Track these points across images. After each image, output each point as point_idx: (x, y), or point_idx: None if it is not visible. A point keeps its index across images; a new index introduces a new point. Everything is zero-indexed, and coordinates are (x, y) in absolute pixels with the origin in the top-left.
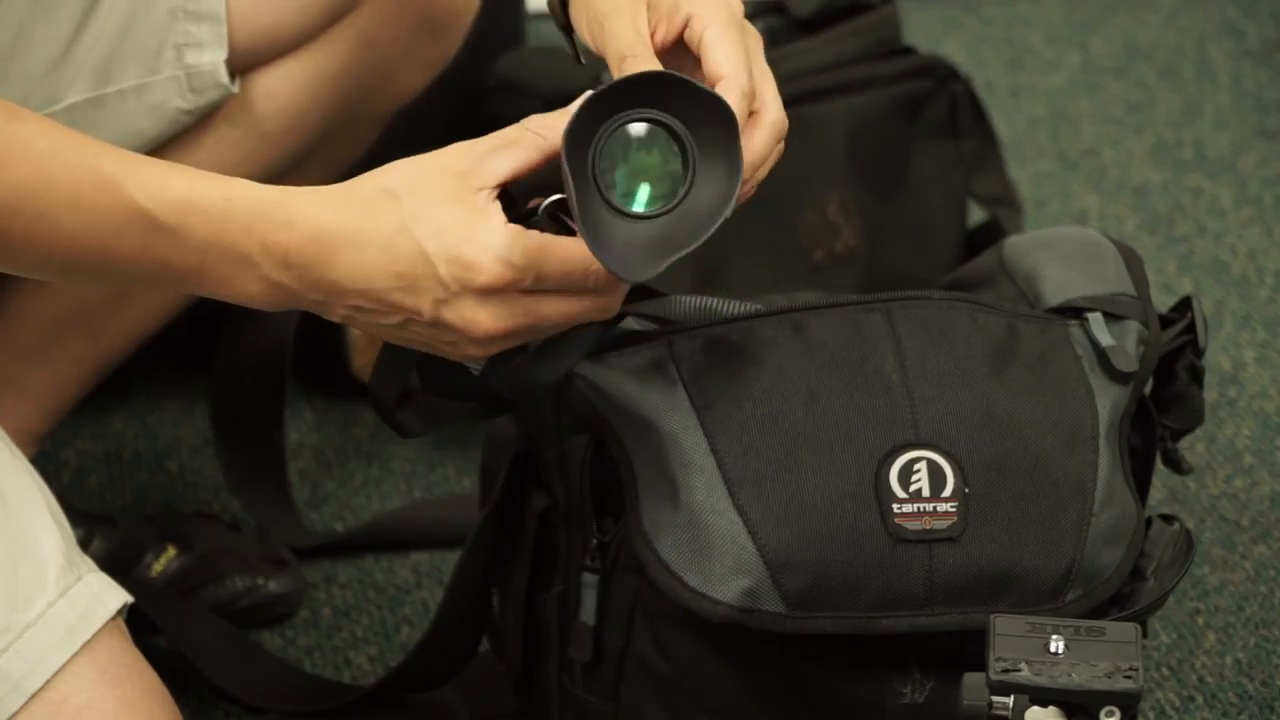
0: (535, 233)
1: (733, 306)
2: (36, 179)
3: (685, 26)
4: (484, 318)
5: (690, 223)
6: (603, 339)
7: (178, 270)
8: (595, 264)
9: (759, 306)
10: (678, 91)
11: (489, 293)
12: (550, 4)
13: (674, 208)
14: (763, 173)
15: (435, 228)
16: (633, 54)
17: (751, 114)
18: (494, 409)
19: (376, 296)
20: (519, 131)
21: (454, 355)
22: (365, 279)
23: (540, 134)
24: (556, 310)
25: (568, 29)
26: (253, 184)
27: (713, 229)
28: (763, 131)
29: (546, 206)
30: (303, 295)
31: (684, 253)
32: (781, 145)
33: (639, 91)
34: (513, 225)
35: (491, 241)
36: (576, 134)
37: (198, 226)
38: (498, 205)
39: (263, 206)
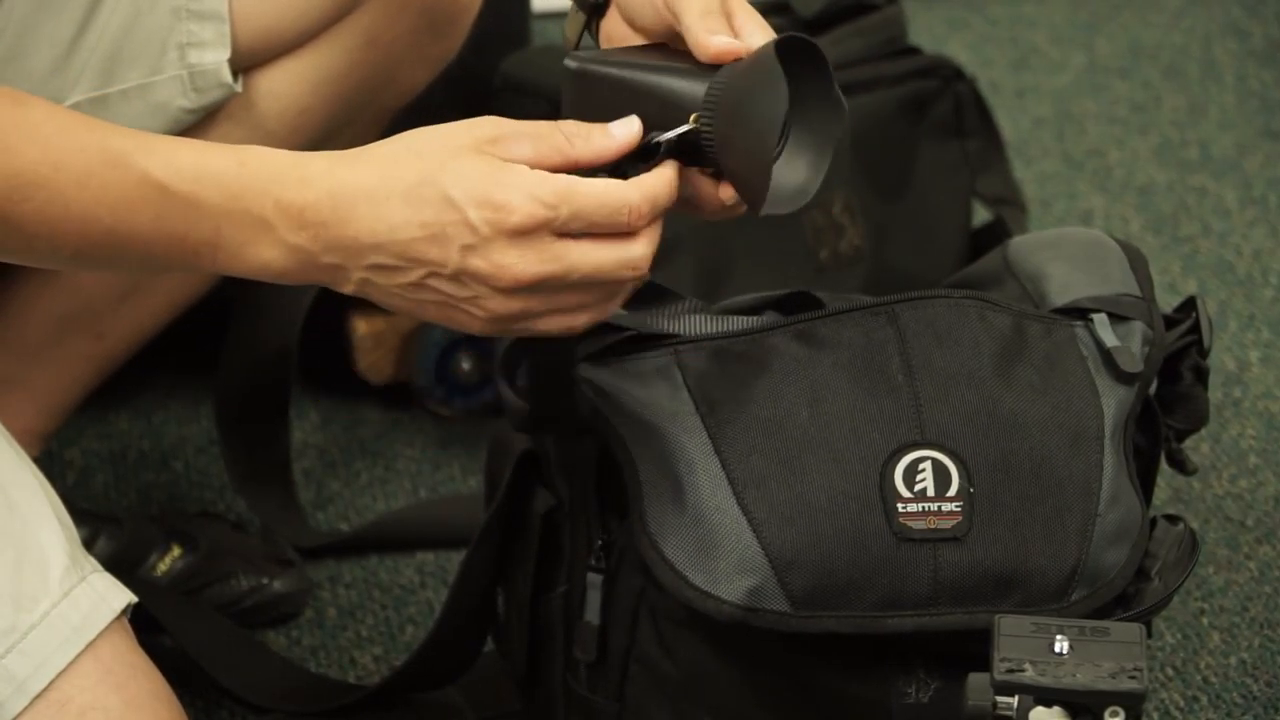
0: (566, 177)
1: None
2: (44, 161)
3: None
4: (515, 260)
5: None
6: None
7: (193, 243)
8: (632, 200)
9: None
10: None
11: (521, 233)
12: None
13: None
14: None
15: (459, 174)
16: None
17: None
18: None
19: (399, 250)
20: (550, 129)
21: (469, 320)
22: (387, 230)
23: (570, 140)
24: (587, 258)
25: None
26: (265, 149)
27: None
28: None
29: (670, 139)
30: (319, 259)
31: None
32: None
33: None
34: (539, 170)
35: (520, 182)
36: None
37: (212, 192)
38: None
39: (277, 168)
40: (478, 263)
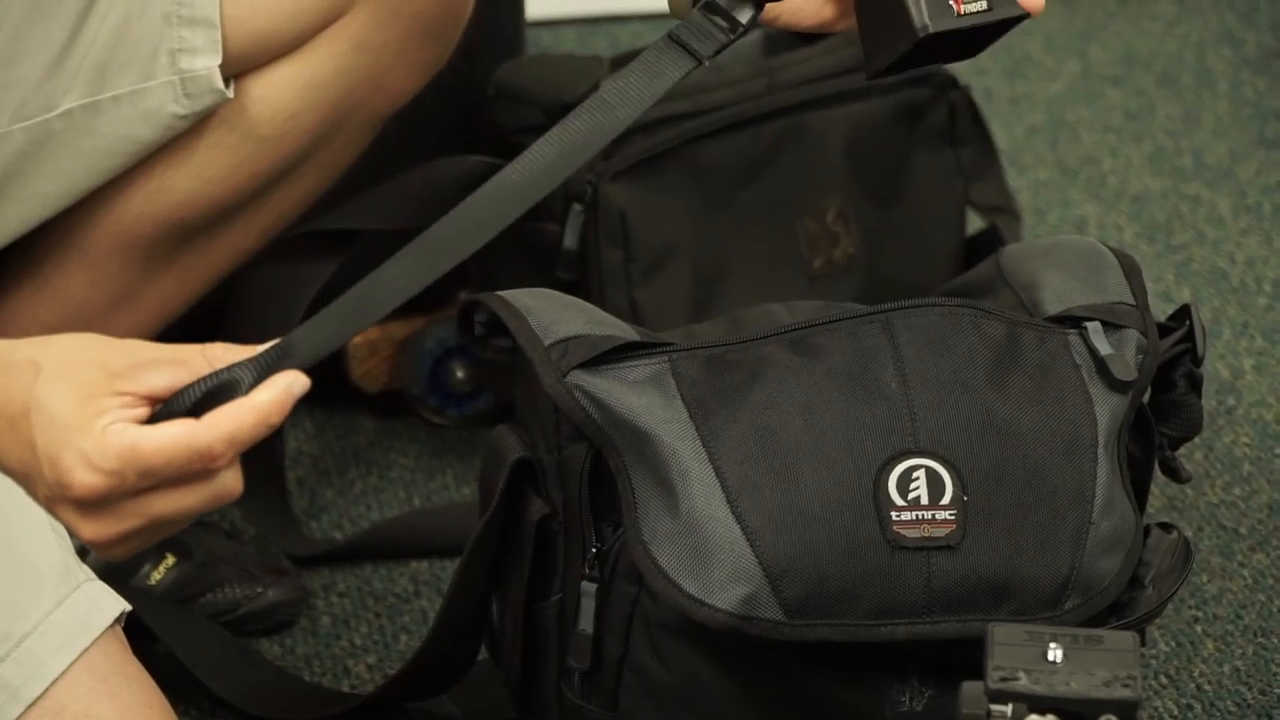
0: (131, 433)
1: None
2: None
3: None
4: (88, 525)
5: None
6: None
7: None
8: (204, 447)
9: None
10: None
11: (86, 504)
12: None
13: None
14: None
15: (48, 421)
16: None
17: None
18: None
19: (9, 470)
20: (195, 355)
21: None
22: None
23: (213, 366)
24: (170, 506)
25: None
26: None
27: None
28: None
29: None
30: None
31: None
32: None
33: None
34: (112, 428)
35: (84, 446)
36: None
37: None
38: (124, 411)
39: None
40: (61, 515)
